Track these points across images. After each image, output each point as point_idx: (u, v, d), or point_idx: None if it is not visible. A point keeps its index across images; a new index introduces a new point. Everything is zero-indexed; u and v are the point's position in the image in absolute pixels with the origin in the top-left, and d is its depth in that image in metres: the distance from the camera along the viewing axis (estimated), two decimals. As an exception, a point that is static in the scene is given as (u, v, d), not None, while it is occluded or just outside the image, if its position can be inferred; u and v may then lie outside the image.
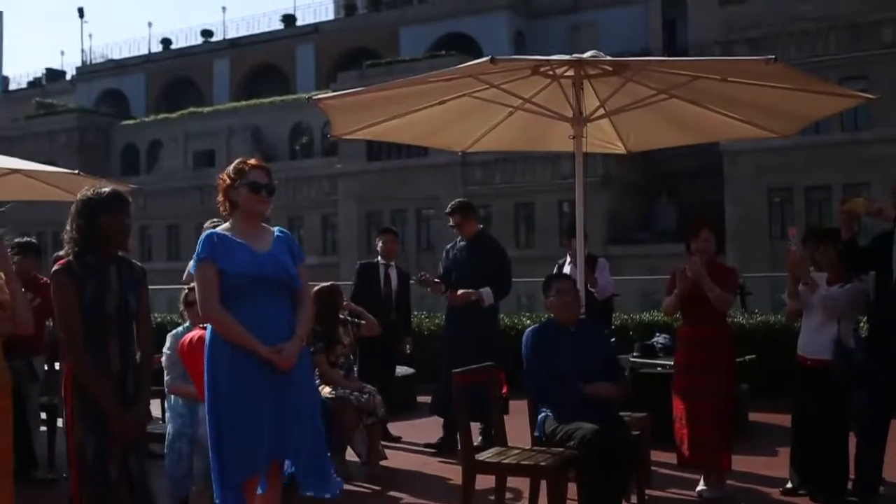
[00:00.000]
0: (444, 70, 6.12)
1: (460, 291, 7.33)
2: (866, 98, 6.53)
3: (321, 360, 6.50)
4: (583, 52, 6.01)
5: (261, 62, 56.18)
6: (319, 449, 4.13)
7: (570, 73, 6.17)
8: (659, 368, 7.48)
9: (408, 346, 8.53)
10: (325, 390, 6.44)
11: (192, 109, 50.99)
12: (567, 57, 5.92)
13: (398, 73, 36.31)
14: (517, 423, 5.75)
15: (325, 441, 4.27)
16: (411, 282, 8.29)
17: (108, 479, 3.84)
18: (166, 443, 5.60)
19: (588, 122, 6.37)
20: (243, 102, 49.91)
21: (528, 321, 10.40)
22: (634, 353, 7.90)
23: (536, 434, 5.24)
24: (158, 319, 10.88)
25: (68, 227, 4.01)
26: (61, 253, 6.55)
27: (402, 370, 9.65)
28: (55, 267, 3.95)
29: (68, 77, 65.47)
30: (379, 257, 8.39)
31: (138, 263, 4.18)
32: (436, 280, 7.62)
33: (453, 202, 7.84)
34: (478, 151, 7.66)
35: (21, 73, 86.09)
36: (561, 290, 5.36)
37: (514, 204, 38.58)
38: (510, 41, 45.80)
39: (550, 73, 6.19)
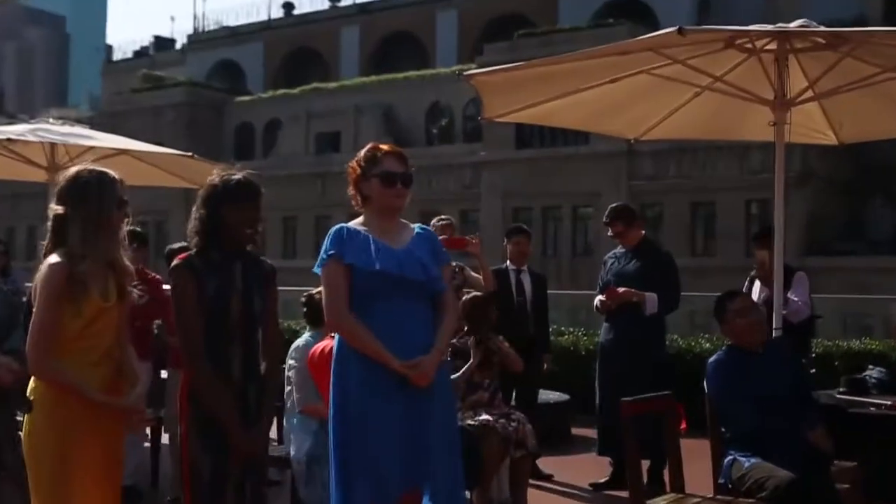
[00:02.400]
0: (620, 43, 6.07)
1: (621, 289, 7.30)
2: None
3: (459, 381, 6.55)
4: (785, 24, 5.86)
5: (395, 31, 57.07)
6: (457, 482, 4.16)
7: (773, 46, 6.03)
8: (872, 409, 7.20)
9: (545, 364, 8.51)
10: (465, 415, 6.49)
11: (315, 85, 52.12)
12: (769, 27, 5.79)
13: (556, 45, 36.06)
14: (694, 467, 5.65)
15: (463, 474, 4.30)
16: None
17: None
18: (295, 467, 5.76)
19: (793, 106, 6.21)
20: (374, 77, 50.66)
21: (708, 344, 10.21)
22: (841, 389, 7.63)
23: (721, 481, 5.14)
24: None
25: (193, 218, 4.14)
26: (175, 246, 6.87)
27: (553, 396, 9.63)
28: (174, 262, 4.09)
29: (178, 46, 68.19)
30: (508, 262, 8.41)
31: (268, 261, 4.27)
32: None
33: (611, 208, 7.80)
34: (649, 140, 7.58)
35: (127, 41, 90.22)
36: (743, 309, 5.28)
37: (691, 203, 37.81)
38: (693, 8, 45.08)
39: (749, 46, 6.06)
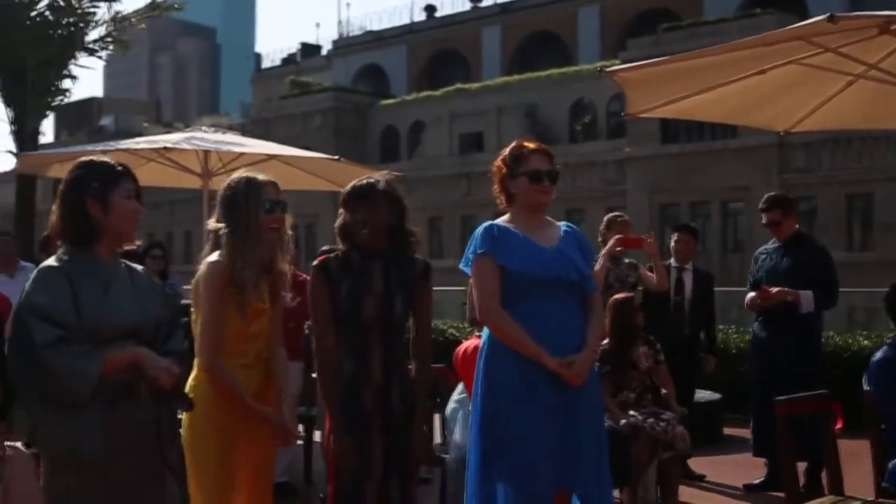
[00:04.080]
0: (767, 34, 5.91)
1: (775, 289, 7.11)
2: None
3: (604, 387, 6.50)
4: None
5: (537, 30, 56.97)
6: (605, 483, 4.13)
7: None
8: None
9: (709, 366, 8.36)
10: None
11: (458, 86, 52.44)
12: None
13: (702, 38, 35.52)
14: (853, 468, 5.48)
15: (611, 474, 4.27)
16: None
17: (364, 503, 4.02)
18: (449, 465, 5.82)
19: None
20: (516, 77, 50.66)
21: (866, 341, 9.86)
22: None
23: (885, 484, 4.95)
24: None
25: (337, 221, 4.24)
26: (326, 248, 7.02)
27: (704, 395, 9.46)
28: (313, 264, 4.19)
29: (324, 52, 69.60)
30: (672, 259, 8.28)
31: (422, 260, 4.28)
32: None
33: (769, 195, 7.63)
34: (801, 131, 7.36)
35: (275, 49, 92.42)
36: None
37: (846, 195, 36.53)
38: (845, -5, 43.62)
39: (906, 30, 5.82)
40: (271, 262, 4.08)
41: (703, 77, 6.25)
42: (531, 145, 4.30)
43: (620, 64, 34.96)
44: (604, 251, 7.37)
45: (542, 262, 4.07)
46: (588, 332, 4.12)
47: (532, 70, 51.00)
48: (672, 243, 8.37)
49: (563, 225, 4.35)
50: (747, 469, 7.55)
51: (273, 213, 4.03)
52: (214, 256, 3.99)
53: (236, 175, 4.17)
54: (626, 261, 7.76)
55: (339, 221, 4.20)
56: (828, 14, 4.93)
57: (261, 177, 4.11)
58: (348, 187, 4.19)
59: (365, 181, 4.18)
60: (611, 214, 8.08)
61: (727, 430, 9.46)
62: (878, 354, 5.24)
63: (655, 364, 6.76)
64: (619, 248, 7.40)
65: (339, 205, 4.22)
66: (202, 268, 4.00)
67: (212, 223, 4.07)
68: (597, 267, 7.42)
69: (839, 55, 5.91)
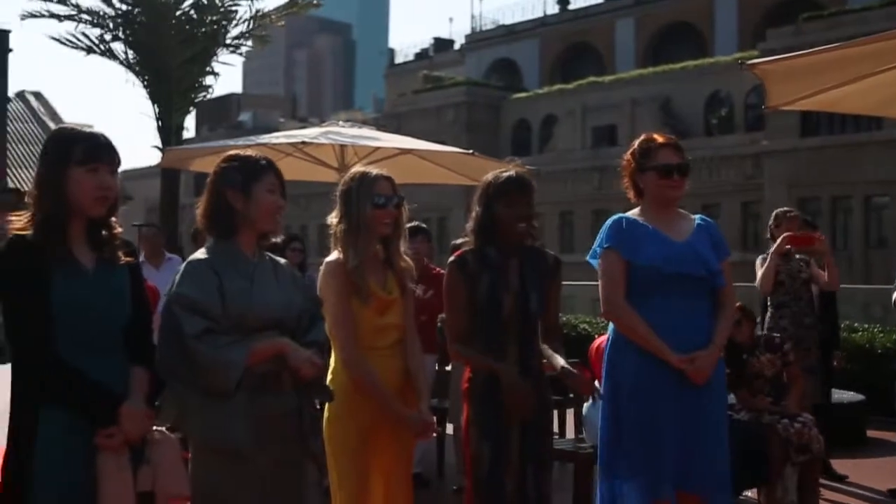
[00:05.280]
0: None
1: None
2: None
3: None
4: None
5: (672, 21, 56.16)
6: (725, 482, 4.07)
7: None
8: None
9: (834, 362, 8.12)
10: (744, 414, 6.30)
11: (591, 79, 52.09)
12: None
13: (844, 27, 34.45)
14: None
15: (737, 473, 4.20)
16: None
17: (502, 495, 4.03)
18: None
19: None
20: (650, 69, 50.07)
21: None
22: None
23: None
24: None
25: (471, 216, 4.24)
26: (458, 242, 7.07)
27: (847, 396, 9.20)
28: (450, 258, 4.22)
29: (457, 47, 69.96)
30: (797, 256, 8.10)
31: (551, 253, 4.29)
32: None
33: None
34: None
35: (408, 44, 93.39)
36: None
37: None
38: None
39: None
40: (391, 255, 4.11)
41: (846, 68, 6.08)
42: (660, 139, 4.24)
43: (758, 55, 34.23)
44: (772, 249, 7.26)
45: (670, 256, 4.02)
46: (715, 328, 4.06)
47: (666, 62, 50.28)
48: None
49: (697, 218, 4.28)
50: (893, 473, 7.32)
51: (385, 208, 4.04)
52: (333, 254, 4.05)
53: (353, 170, 4.22)
54: (798, 256, 7.58)
55: (478, 214, 4.17)
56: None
57: (374, 171, 4.12)
58: (497, 179, 4.14)
59: (513, 173, 4.16)
60: (780, 210, 7.94)
61: (871, 433, 9.18)
62: None
63: (783, 367, 6.59)
64: (787, 246, 7.25)
65: (479, 197, 4.18)
66: (322, 267, 4.08)
67: (331, 218, 4.14)
68: (765, 265, 7.30)
69: None
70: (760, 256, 7.62)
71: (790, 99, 6.48)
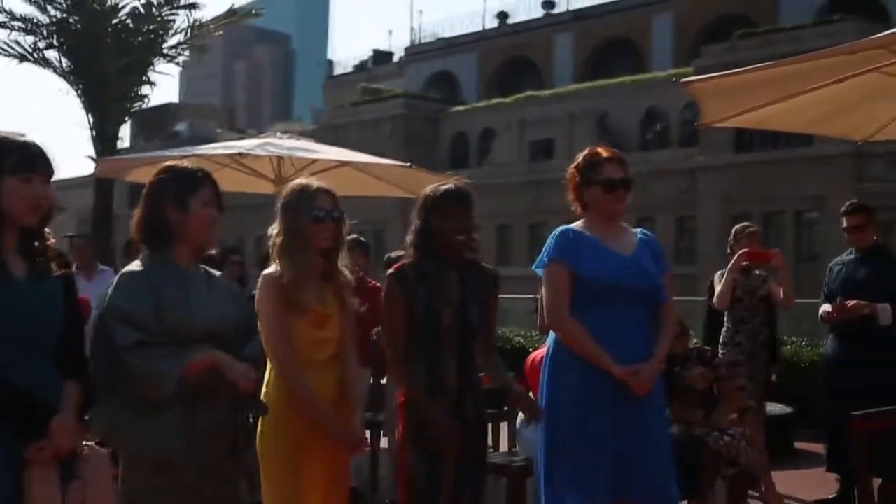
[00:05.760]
0: (847, 44, 5.84)
1: (851, 303, 6.97)
2: None
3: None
4: None
5: (609, 37, 56.72)
6: (668, 496, 4.10)
7: None
8: None
9: (773, 377, 8.24)
10: (677, 427, 6.35)
11: (529, 93, 52.37)
12: None
13: (777, 45, 35.04)
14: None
15: (677, 486, 4.24)
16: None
17: None
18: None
19: None
20: (588, 84, 50.51)
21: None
22: None
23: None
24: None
25: (410, 229, 4.24)
26: (393, 255, 7.06)
27: (776, 409, 9.33)
28: (389, 271, 4.21)
29: (396, 59, 69.97)
30: None
31: (491, 268, 4.31)
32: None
33: (852, 202, 7.53)
34: (880, 140, 7.26)
35: (348, 56, 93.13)
36: None
37: (926, 206, 35.83)
38: (927, -1, 42.75)
39: None
40: (330, 269, 4.09)
41: (779, 86, 6.19)
42: (605, 153, 4.28)
43: (694, 71, 34.62)
44: (730, 265, 7.33)
45: (616, 270, 4.06)
46: (657, 341, 4.10)
47: (604, 77, 50.75)
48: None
49: (638, 232, 4.33)
50: (819, 484, 7.43)
51: (324, 222, 4.02)
52: (272, 267, 4.03)
53: (293, 182, 4.20)
54: (756, 272, 7.64)
55: (416, 227, 4.18)
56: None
57: (315, 185, 4.10)
58: (437, 192, 4.16)
59: (453, 186, 4.17)
60: (739, 225, 7.95)
61: (799, 445, 9.33)
62: None
63: (716, 381, 6.66)
64: (745, 262, 7.31)
65: (419, 210, 4.18)
66: (259, 280, 4.06)
67: (270, 230, 4.11)
68: (723, 280, 7.38)
69: (920, 65, 5.82)
70: (719, 272, 7.68)
71: (723, 116, 6.58)
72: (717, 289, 7.50)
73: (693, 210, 41.77)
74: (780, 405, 9.47)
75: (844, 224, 7.32)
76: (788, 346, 11.02)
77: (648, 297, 4.12)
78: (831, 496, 7.24)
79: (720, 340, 7.56)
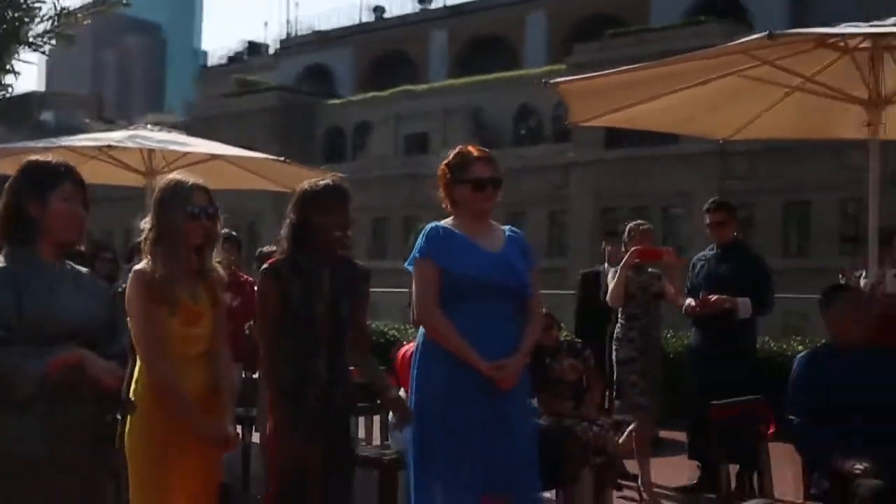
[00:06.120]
0: (708, 49, 6.06)
1: (713, 297, 7.20)
2: None
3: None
4: (883, 13, 5.80)
5: (484, 33, 57.19)
6: (536, 487, 4.19)
7: (867, 45, 5.95)
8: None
9: None
10: (545, 419, 6.46)
11: (404, 87, 52.47)
12: (863, 28, 5.70)
13: (648, 44, 35.90)
14: (785, 472, 5.59)
15: (543, 477, 4.33)
16: None
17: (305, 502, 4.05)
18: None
19: (888, 105, 6.11)
20: (463, 79, 50.83)
21: (801, 346, 10.04)
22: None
23: (812, 492, 5.05)
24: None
25: (284, 223, 4.23)
26: (265, 249, 7.01)
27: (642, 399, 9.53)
28: (263, 266, 4.19)
29: (271, 51, 69.24)
30: (606, 264, 8.36)
31: (361, 264, 4.34)
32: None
33: (714, 199, 7.75)
34: (742, 139, 7.53)
35: (221, 47, 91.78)
36: (849, 300, 5.18)
37: (784, 203, 37.18)
38: (787, 4, 44.26)
39: (841, 45, 5.97)
40: (203, 265, 4.05)
41: (645, 87, 6.36)
42: (475, 152, 4.33)
43: (566, 69, 35.05)
44: (623, 262, 7.40)
45: (485, 266, 4.12)
46: (522, 337, 4.18)
47: (479, 73, 51.14)
48: (606, 249, 8.43)
49: (506, 229, 4.40)
50: (682, 471, 7.64)
51: (198, 219, 3.96)
52: (142, 263, 3.96)
53: (168, 177, 4.13)
54: (650, 270, 7.70)
55: (292, 222, 4.17)
56: (767, 32, 5.07)
57: (191, 181, 4.04)
58: (314, 187, 4.16)
59: (331, 182, 4.19)
60: (633, 223, 7.96)
61: (664, 434, 9.56)
62: (806, 352, 5.38)
63: (585, 371, 6.81)
64: (637, 260, 7.39)
65: (294, 205, 4.17)
66: (130, 276, 3.99)
67: (143, 224, 4.05)
68: (616, 278, 7.46)
69: (777, 68, 6.06)
70: (612, 269, 7.76)
71: (591, 115, 6.73)
72: (611, 286, 7.55)
73: (565, 205, 42.47)
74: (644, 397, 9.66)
75: (707, 220, 7.53)
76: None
77: (516, 293, 4.19)
78: (692, 483, 7.47)
79: (613, 336, 7.64)
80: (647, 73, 6.22)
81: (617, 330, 7.65)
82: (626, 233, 7.82)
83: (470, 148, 4.37)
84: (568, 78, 6.63)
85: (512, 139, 47.09)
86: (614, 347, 7.56)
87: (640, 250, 7.38)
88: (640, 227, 7.78)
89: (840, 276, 5.83)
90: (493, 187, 4.24)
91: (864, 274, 7.61)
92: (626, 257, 7.39)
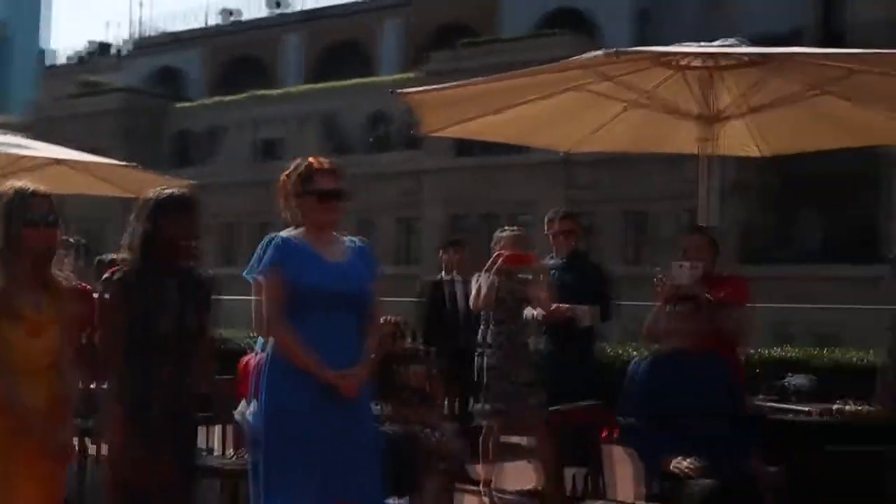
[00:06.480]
0: (553, 65, 6.22)
1: (553, 306, 7.34)
2: None
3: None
4: (720, 35, 6.06)
5: (339, 39, 56.89)
6: (380, 494, 4.24)
7: (699, 63, 6.20)
8: (791, 416, 7.33)
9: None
10: (390, 426, 6.48)
11: (257, 92, 51.76)
12: (695, 49, 5.93)
13: (498, 54, 36.42)
14: (623, 473, 5.76)
15: (387, 484, 4.38)
16: None
17: None
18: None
19: (718, 122, 6.38)
20: (317, 85, 50.53)
21: (636, 352, 10.33)
22: (761, 397, 7.78)
23: (653, 493, 5.22)
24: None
25: (128, 232, 4.16)
26: (105, 258, 6.83)
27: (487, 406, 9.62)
28: (105, 276, 4.11)
29: (118, 51, 67.41)
30: (443, 273, 8.45)
31: (207, 273, 4.30)
32: None
33: (560, 209, 7.88)
34: (584, 152, 7.74)
35: (67, 46, 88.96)
36: (680, 309, 5.37)
37: (624, 212, 38.31)
38: (632, 18, 45.49)
39: (675, 63, 6.21)
40: (45, 275, 3.95)
41: (493, 100, 6.49)
42: (320, 164, 4.34)
43: (421, 76, 35.22)
44: (493, 268, 7.36)
45: (329, 277, 4.14)
46: (366, 345, 4.23)
47: (334, 79, 50.92)
48: (444, 257, 8.50)
49: (350, 240, 4.42)
50: (525, 475, 7.75)
51: (38, 228, 3.87)
52: None
53: (7, 185, 4.01)
54: (520, 275, 7.57)
55: (138, 231, 4.11)
56: (613, 49, 5.24)
57: (31, 188, 3.94)
58: (161, 196, 4.12)
59: (178, 191, 4.15)
60: (500, 230, 7.85)
61: (504, 438, 9.64)
62: (641, 357, 5.59)
63: (430, 378, 6.84)
64: (504, 265, 7.31)
65: (140, 213, 4.11)
66: None
67: None
68: (485, 284, 7.42)
69: (617, 83, 6.26)
70: (477, 274, 7.69)
71: (441, 126, 6.83)
72: (483, 290, 7.47)
73: (417, 212, 42.68)
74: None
75: (554, 229, 7.63)
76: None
77: (360, 302, 4.22)
78: (533, 486, 7.59)
79: (484, 341, 7.57)
80: (495, 86, 6.35)
81: (488, 335, 7.61)
82: (494, 240, 7.73)
83: (315, 160, 4.37)
84: (418, 89, 6.69)
85: (365, 146, 47.07)
86: (482, 353, 7.52)
87: (507, 256, 7.38)
88: (505, 233, 7.72)
89: (656, 281, 6.00)
90: (337, 199, 4.26)
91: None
92: (495, 263, 7.35)
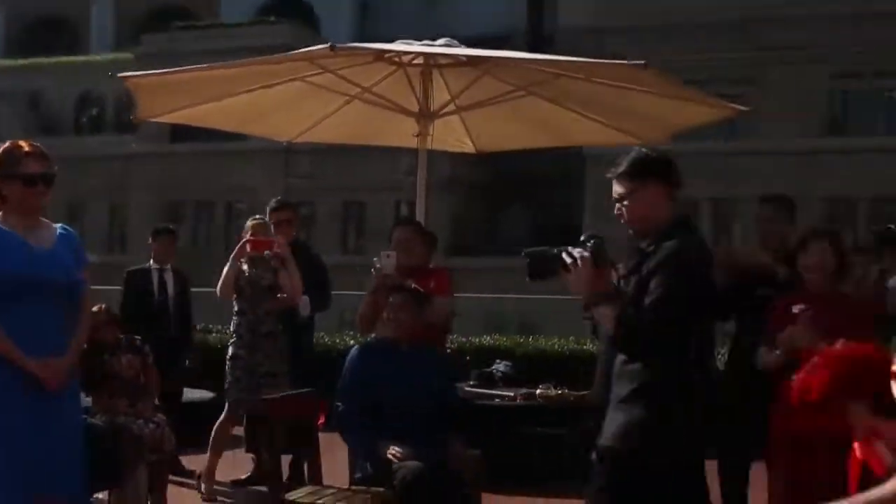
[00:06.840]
0: (276, 56, 6.24)
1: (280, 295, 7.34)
2: (739, 110, 7.04)
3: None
4: (437, 32, 6.27)
5: (46, 14, 54.14)
6: (83, 486, 4.15)
7: (420, 61, 6.39)
8: (497, 400, 7.68)
9: (188, 362, 8.48)
10: (99, 417, 6.30)
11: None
12: (416, 47, 6.11)
13: (215, 40, 35.80)
14: (334, 460, 5.86)
15: (93, 476, 4.29)
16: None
17: None
18: None
19: (436, 119, 6.60)
20: (19, 61, 47.90)
21: (353, 341, 10.48)
22: (471, 382, 8.12)
23: (358, 476, 5.34)
24: None
25: None
26: None
27: (197, 395, 9.51)
28: None
29: None
30: (151, 261, 8.32)
31: None
32: None
33: (281, 198, 7.89)
34: (305, 142, 7.80)
35: None
36: (393, 300, 5.53)
37: (343, 202, 38.70)
38: (352, 11, 45.93)
39: (397, 59, 6.38)
40: None
41: (213, 88, 6.43)
42: (26, 147, 4.15)
43: (134, 58, 34.16)
44: (233, 254, 7.14)
45: (35, 264, 4.01)
46: (73, 335, 4.12)
47: (38, 55, 48.33)
48: (153, 245, 8.33)
49: (59, 227, 4.28)
50: (239, 465, 7.73)
51: None
52: None
53: None
54: (265, 262, 7.31)
55: None
56: (329, 44, 5.32)
57: None
58: None
59: None
60: (251, 219, 7.70)
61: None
62: (357, 347, 5.75)
63: (144, 368, 6.69)
64: (248, 251, 7.13)
65: None
66: None
67: None
68: (225, 271, 7.19)
69: (339, 77, 6.36)
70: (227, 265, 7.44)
71: (159, 112, 6.70)
72: (221, 278, 7.25)
73: (127, 197, 41.32)
74: (201, 391, 9.63)
75: (273, 219, 7.58)
76: (214, 335, 11.42)
77: (67, 291, 4.11)
78: (246, 475, 7.60)
79: (232, 331, 7.45)
80: (217, 73, 6.31)
81: (233, 324, 7.45)
82: (244, 228, 7.59)
83: (20, 143, 4.19)
84: (138, 73, 6.52)
85: (73, 127, 45.07)
86: (232, 343, 7.39)
87: (251, 241, 7.20)
88: (255, 221, 7.61)
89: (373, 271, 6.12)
90: (44, 183, 4.11)
91: None
92: (237, 248, 7.23)
